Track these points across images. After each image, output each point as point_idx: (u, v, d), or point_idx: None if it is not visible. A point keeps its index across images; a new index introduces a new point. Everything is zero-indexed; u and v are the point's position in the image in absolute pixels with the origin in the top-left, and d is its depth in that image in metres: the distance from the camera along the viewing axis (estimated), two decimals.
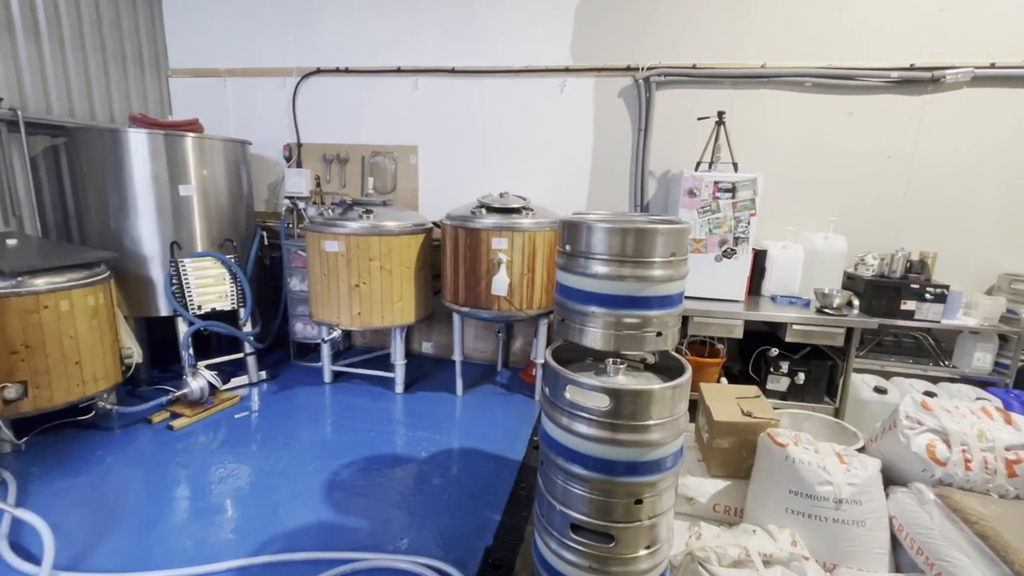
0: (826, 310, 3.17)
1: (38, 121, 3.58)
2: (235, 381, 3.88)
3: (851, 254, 3.48)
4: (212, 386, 3.46)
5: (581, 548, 1.57)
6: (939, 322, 3.15)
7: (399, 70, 4.20)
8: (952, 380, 3.22)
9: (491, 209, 3.43)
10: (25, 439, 2.94)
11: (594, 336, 1.55)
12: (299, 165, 4.53)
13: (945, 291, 3.12)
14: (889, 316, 3.16)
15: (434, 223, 3.96)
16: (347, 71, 4.30)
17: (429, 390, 3.98)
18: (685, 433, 1.61)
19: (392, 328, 3.77)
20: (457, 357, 3.83)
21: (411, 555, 2.21)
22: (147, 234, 3.57)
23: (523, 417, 3.59)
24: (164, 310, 3.67)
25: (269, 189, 4.71)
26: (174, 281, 3.57)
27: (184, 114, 4.59)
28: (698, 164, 3.54)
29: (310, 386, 3.99)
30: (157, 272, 3.62)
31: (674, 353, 1.69)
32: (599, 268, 1.51)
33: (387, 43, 4.20)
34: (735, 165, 3.50)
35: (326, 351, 3.96)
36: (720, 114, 3.48)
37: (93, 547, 2.22)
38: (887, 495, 1.95)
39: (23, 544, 2.21)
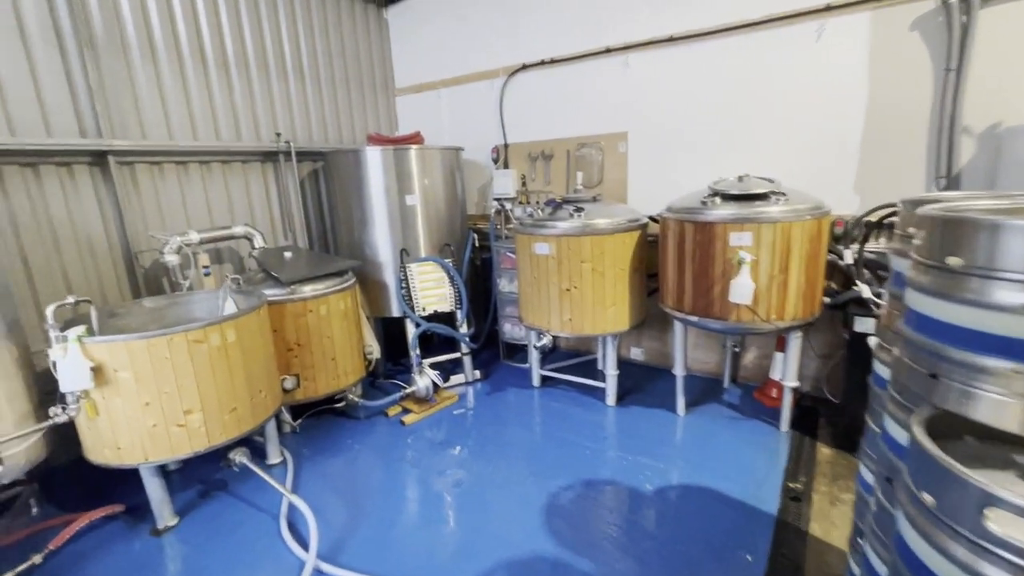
0: None
1: (304, 150, 4.23)
2: (453, 379, 4.04)
3: None
4: (435, 384, 3.63)
5: None
6: None
7: (607, 50, 3.82)
8: None
9: (727, 197, 2.81)
10: (299, 421, 3.47)
11: (1001, 409, 0.93)
12: (506, 166, 4.53)
13: None
14: None
15: (651, 217, 3.49)
16: (552, 62, 4.10)
17: (644, 405, 3.56)
18: None
19: (603, 336, 3.45)
20: (679, 372, 3.32)
21: None
22: (382, 242, 3.92)
23: (765, 451, 2.92)
24: (396, 311, 4.01)
25: (479, 192, 4.84)
26: (403, 285, 3.85)
27: (407, 128, 5.00)
28: None
29: (520, 388, 3.94)
30: (390, 277, 3.96)
31: None
32: (1016, 297, 0.89)
33: (593, 23, 3.85)
34: None
35: (535, 356, 3.86)
36: None
37: (344, 540, 2.40)
38: None
39: (291, 520, 2.52)
